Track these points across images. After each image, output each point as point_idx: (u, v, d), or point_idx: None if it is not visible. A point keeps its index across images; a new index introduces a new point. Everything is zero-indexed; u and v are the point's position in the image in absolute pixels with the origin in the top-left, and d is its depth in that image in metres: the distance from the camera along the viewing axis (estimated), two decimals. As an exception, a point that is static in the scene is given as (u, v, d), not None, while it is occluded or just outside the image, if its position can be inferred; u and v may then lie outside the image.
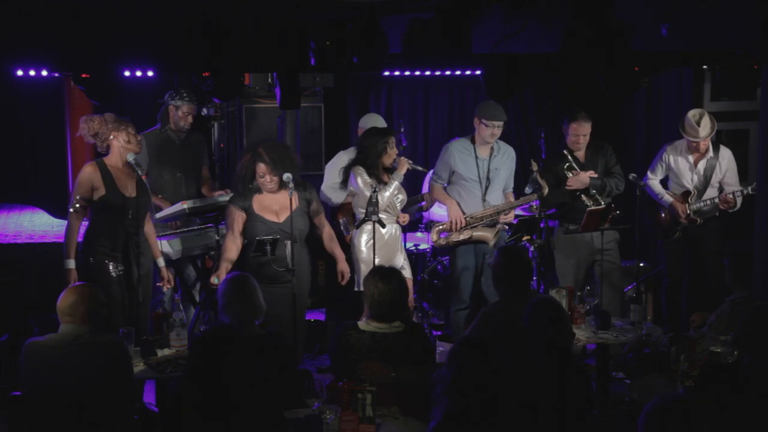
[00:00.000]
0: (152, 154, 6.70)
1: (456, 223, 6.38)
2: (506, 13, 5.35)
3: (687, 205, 6.72)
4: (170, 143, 6.81)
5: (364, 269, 6.05)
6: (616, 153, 6.80)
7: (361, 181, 6.09)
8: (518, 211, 6.89)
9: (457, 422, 3.15)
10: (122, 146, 5.56)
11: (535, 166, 6.32)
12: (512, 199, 6.54)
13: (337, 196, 6.77)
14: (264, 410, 3.48)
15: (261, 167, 5.63)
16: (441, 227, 6.47)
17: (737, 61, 5.55)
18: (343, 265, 5.96)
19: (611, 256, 6.59)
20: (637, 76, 5.46)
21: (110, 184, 5.54)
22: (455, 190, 6.50)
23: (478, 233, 6.40)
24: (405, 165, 6.10)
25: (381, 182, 6.08)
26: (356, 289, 6.13)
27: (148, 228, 5.79)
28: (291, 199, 5.51)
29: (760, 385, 3.65)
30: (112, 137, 5.55)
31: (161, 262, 5.83)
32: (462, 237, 6.40)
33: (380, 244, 6.06)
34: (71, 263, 5.50)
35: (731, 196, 6.59)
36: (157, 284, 5.88)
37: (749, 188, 6.50)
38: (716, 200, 6.66)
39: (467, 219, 6.39)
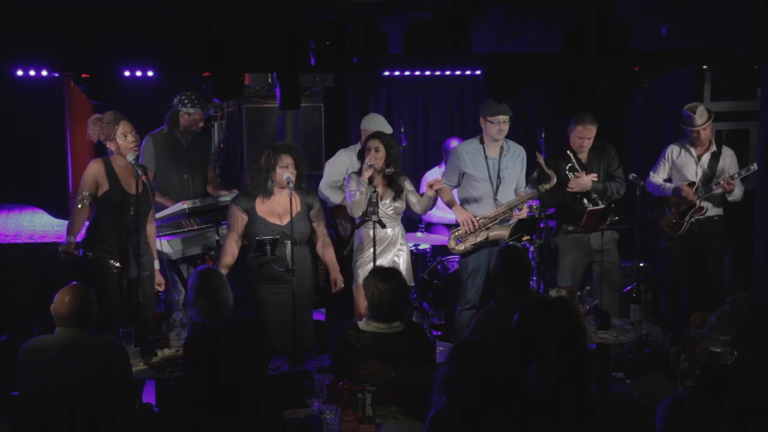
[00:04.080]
0: (160, 155, 6.71)
1: (467, 225, 6.37)
2: (506, 13, 5.35)
3: (693, 189, 6.73)
4: (178, 145, 6.83)
5: (360, 271, 6.10)
6: (618, 155, 6.80)
7: (349, 182, 6.13)
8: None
9: (449, 421, 3.16)
10: (120, 145, 5.60)
11: (540, 159, 6.33)
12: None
13: (335, 196, 6.78)
14: (264, 410, 3.47)
15: (285, 158, 5.64)
16: (456, 233, 6.46)
17: (737, 61, 5.55)
18: (336, 274, 5.98)
19: (610, 257, 6.59)
20: (637, 76, 5.46)
21: (114, 181, 5.59)
22: (467, 190, 6.50)
23: (494, 232, 6.40)
24: (366, 170, 6.04)
25: (371, 184, 6.08)
26: (354, 286, 6.16)
27: (150, 230, 5.80)
28: (291, 200, 5.52)
29: (759, 385, 3.65)
30: (112, 136, 5.59)
31: (156, 264, 5.84)
32: (479, 239, 6.40)
33: (363, 245, 6.11)
34: (72, 238, 5.55)
35: (732, 179, 6.63)
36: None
37: (751, 166, 6.49)
38: (720, 182, 6.68)
39: (480, 221, 6.38)
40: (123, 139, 5.58)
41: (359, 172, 6.13)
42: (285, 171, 5.63)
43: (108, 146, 5.65)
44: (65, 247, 5.54)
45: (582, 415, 3.36)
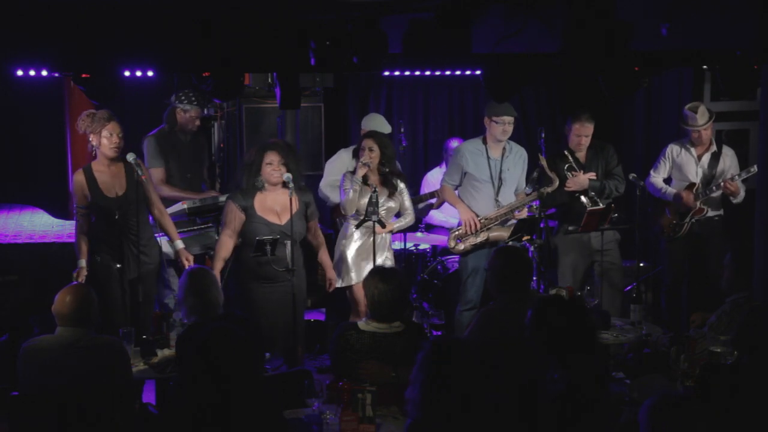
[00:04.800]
0: (164, 154, 6.75)
1: (470, 225, 6.37)
2: (506, 13, 5.34)
3: (693, 194, 6.73)
4: (181, 144, 6.88)
5: (343, 267, 6.16)
6: (618, 154, 6.80)
7: (344, 181, 6.16)
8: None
9: (426, 423, 3.16)
10: (102, 142, 5.59)
11: (543, 161, 6.33)
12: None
13: (335, 195, 6.78)
14: (264, 410, 3.47)
15: (270, 155, 5.64)
16: (457, 233, 6.46)
17: (737, 61, 5.55)
18: (330, 273, 6.02)
19: (611, 257, 6.59)
20: (637, 76, 5.46)
21: (94, 189, 5.60)
22: (467, 190, 6.49)
23: (494, 234, 6.40)
24: (360, 168, 6.08)
25: (366, 183, 6.09)
26: (338, 285, 6.18)
27: (160, 216, 5.80)
28: (291, 200, 5.52)
29: (759, 385, 3.65)
30: (98, 131, 5.59)
31: (179, 244, 5.84)
32: (479, 240, 6.40)
33: (358, 244, 6.13)
34: (82, 262, 5.57)
35: (732, 180, 6.63)
36: (180, 263, 5.86)
37: (751, 168, 6.50)
38: (721, 184, 6.68)
39: (482, 221, 6.38)
40: (108, 137, 5.57)
41: (354, 171, 6.14)
42: (270, 168, 5.63)
43: (91, 140, 5.63)
44: (78, 274, 5.55)
45: (597, 413, 3.34)
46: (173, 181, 6.77)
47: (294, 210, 5.59)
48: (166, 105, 6.90)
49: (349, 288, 6.19)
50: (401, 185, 6.29)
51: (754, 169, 6.38)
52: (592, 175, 6.58)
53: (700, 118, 6.69)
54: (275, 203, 5.68)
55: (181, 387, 3.57)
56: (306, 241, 5.92)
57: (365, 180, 6.09)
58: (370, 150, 6.09)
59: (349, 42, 4.97)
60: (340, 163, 6.82)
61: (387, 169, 6.14)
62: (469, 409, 3.15)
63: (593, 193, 6.54)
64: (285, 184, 5.60)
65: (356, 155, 6.26)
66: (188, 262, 5.83)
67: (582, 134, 6.59)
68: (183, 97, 6.75)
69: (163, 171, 6.72)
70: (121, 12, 4.91)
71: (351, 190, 6.04)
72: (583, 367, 3.43)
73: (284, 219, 5.64)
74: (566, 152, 6.63)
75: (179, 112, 6.78)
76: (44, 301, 4.44)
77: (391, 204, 6.20)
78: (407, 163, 7.83)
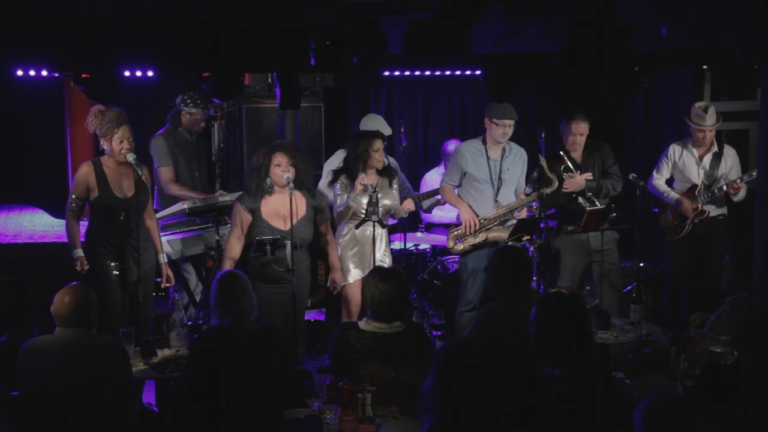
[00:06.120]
0: (172, 153, 6.80)
1: (469, 225, 6.36)
2: (506, 13, 5.35)
3: (694, 199, 6.73)
4: (188, 143, 6.94)
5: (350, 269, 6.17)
6: (614, 152, 6.81)
7: (338, 187, 6.17)
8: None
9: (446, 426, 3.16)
10: (114, 148, 5.57)
11: (543, 161, 6.33)
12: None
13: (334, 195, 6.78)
14: (264, 411, 3.47)
15: (278, 156, 5.63)
16: (456, 233, 6.46)
17: (737, 61, 5.55)
18: (336, 275, 6.00)
19: (610, 257, 6.59)
20: (637, 76, 5.46)
21: (103, 186, 5.56)
22: (467, 191, 6.49)
23: (493, 234, 6.40)
24: (361, 191, 6.05)
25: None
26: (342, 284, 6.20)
27: (150, 224, 5.79)
28: (291, 200, 5.50)
29: (759, 385, 3.65)
30: (108, 137, 5.56)
31: (162, 258, 5.83)
32: (478, 240, 6.40)
33: (353, 243, 6.14)
34: (79, 252, 5.55)
35: (738, 181, 6.65)
36: (157, 279, 5.88)
37: (753, 172, 6.51)
38: (724, 188, 6.68)
39: (481, 221, 6.38)
40: (118, 143, 5.55)
41: (342, 170, 6.12)
42: (278, 170, 5.62)
43: (101, 142, 5.63)
44: (79, 263, 5.54)
45: (602, 412, 3.34)
46: (182, 179, 6.81)
47: (301, 214, 5.59)
48: (170, 106, 6.94)
49: (343, 287, 6.18)
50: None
51: (755, 174, 6.39)
52: (588, 176, 6.58)
53: (709, 118, 6.69)
54: (282, 207, 5.63)
55: (182, 387, 3.57)
56: (315, 242, 5.92)
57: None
58: (380, 152, 6.10)
59: (349, 42, 4.97)
60: (338, 163, 6.82)
61: (386, 163, 6.18)
62: (488, 410, 3.14)
63: (590, 194, 6.54)
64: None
65: (353, 156, 6.18)
66: (168, 282, 5.84)
67: (577, 133, 6.59)
68: (188, 100, 6.79)
69: (172, 170, 6.77)
70: (121, 12, 4.91)
71: (349, 202, 6.03)
72: (581, 365, 3.43)
73: (290, 224, 5.62)
74: (562, 153, 6.64)
75: (185, 114, 6.84)
76: (44, 301, 4.44)
77: (386, 201, 6.19)
78: (407, 163, 7.84)
